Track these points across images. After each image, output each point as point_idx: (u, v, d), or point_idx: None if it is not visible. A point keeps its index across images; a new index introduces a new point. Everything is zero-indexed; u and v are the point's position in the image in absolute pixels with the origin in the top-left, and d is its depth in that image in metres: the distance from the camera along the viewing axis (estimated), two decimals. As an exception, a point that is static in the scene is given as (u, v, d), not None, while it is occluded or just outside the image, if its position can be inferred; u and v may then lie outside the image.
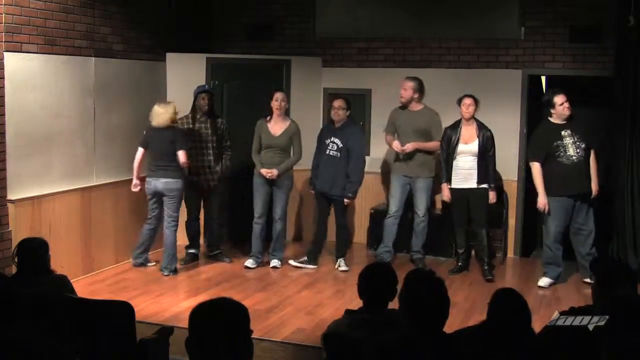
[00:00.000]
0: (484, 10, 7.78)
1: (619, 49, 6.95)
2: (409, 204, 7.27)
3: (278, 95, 7.02)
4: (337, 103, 7.03)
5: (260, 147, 7.09)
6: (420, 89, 7.05)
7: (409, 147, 7.00)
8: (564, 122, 6.45)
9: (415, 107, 7.09)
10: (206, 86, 7.30)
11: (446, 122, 7.57)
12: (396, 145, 7.08)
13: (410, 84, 7.03)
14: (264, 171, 6.98)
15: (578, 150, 6.40)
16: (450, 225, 7.27)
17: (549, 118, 6.51)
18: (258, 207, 7.14)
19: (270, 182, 7.08)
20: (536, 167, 6.52)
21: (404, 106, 7.13)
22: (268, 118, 7.08)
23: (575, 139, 6.40)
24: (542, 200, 6.49)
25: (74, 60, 6.54)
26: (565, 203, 6.49)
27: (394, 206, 7.21)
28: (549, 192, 6.47)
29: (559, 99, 6.41)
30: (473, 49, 7.84)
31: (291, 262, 7.24)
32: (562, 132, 6.42)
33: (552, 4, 7.55)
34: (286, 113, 7.18)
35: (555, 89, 6.64)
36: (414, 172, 7.11)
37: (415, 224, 7.22)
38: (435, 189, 7.42)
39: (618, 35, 6.95)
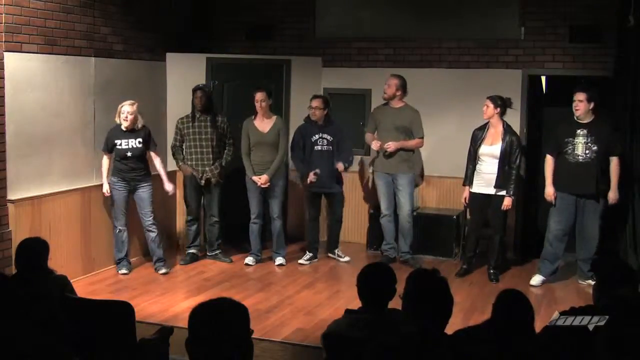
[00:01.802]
0: (483, 10, 7.77)
1: (619, 49, 6.95)
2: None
3: (257, 96, 7.06)
4: (315, 103, 7.13)
5: (249, 147, 7.13)
6: (403, 86, 7.12)
7: (392, 147, 7.04)
8: (585, 121, 6.41)
9: (397, 104, 7.16)
10: (201, 84, 7.26)
11: (445, 124, 7.60)
12: (375, 145, 7.14)
13: (395, 81, 7.11)
14: (255, 179, 7.04)
15: (587, 152, 6.38)
16: (454, 226, 7.27)
17: (574, 116, 6.50)
18: (254, 207, 7.20)
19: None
20: (547, 160, 6.60)
21: (386, 103, 7.21)
22: (254, 117, 7.13)
23: (588, 140, 6.37)
24: (548, 190, 6.55)
25: (74, 60, 6.54)
26: (567, 200, 6.50)
27: (385, 205, 7.29)
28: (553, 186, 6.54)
29: (575, 96, 6.42)
30: (473, 49, 7.84)
31: (300, 261, 7.31)
32: (578, 131, 6.41)
33: (552, 4, 7.55)
34: (272, 110, 7.23)
35: (580, 86, 6.57)
36: (395, 168, 7.17)
37: (401, 225, 7.23)
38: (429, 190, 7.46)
39: (618, 35, 6.95)
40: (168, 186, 6.98)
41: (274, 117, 7.19)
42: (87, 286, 6.28)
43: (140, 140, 6.70)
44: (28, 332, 2.64)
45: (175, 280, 6.80)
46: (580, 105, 6.37)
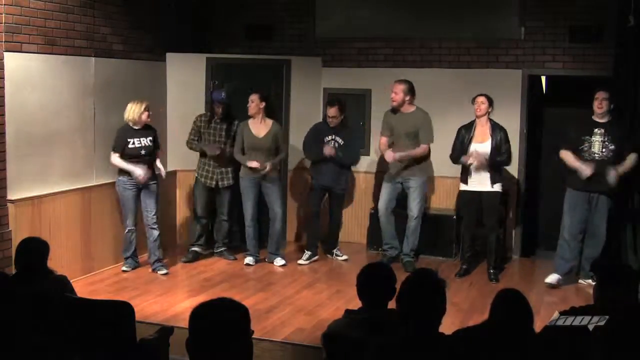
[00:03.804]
0: (484, 10, 7.77)
1: (619, 49, 6.94)
2: (401, 203, 7.28)
3: (251, 98, 7.07)
4: (332, 112, 7.12)
5: (243, 149, 7.10)
6: (411, 90, 6.98)
7: (398, 157, 6.95)
8: (602, 121, 6.41)
9: (408, 109, 7.02)
10: (222, 95, 7.18)
11: (445, 123, 7.57)
12: (389, 155, 6.98)
13: (401, 87, 6.96)
14: (253, 163, 6.94)
15: (604, 150, 6.37)
16: (454, 226, 7.25)
17: (592, 115, 6.47)
18: (249, 210, 7.19)
19: (259, 183, 7.11)
20: (565, 153, 6.50)
21: (395, 109, 7.06)
22: (249, 120, 7.12)
23: (605, 139, 6.37)
24: (582, 168, 6.36)
25: (74, 60, 6.54)
26: (582, 198, 6.48)
27: (382, 204, 7.22)
28: (567, 184, 6.52)
29: (598, 94, 6.40)
30: (473, 49, 7.84)
31: (300, 262, 7.31)
32: (595, 130, 6.40)
33: (552, 4, 7.55)
34: (268, 115, 7.19)
35: (602, 85, 6.56)
36: (408, 173, 7.08)
37: (408, 227, 7.16)
38: (429, 190, 7.43)
39: (618, 35, 6.94)
40: (161, 169, 6.85)
41: (270, 122, 7.15)
42: (87, 286, 6.28)
43: (151, 139, 6.73)
44: (28, 332, 2.64)
45: (175, 280, 6.80)
46: (604, 104, 6.37)
